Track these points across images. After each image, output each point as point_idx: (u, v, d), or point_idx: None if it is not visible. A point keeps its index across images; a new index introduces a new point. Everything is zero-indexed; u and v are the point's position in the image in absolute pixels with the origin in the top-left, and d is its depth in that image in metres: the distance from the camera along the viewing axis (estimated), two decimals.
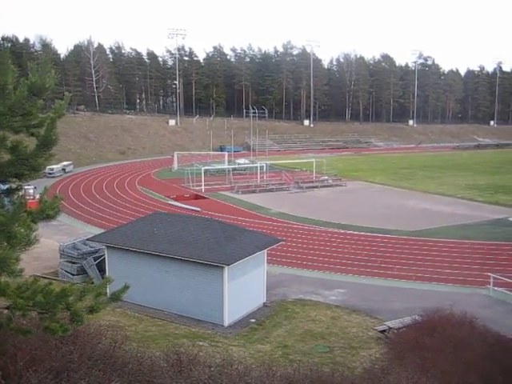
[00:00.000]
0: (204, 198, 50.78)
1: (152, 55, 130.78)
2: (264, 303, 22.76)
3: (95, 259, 25.04)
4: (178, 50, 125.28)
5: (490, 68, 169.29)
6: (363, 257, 30.60)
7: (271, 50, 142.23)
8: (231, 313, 20.47)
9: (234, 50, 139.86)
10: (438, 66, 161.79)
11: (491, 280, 24.95)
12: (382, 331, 19.54)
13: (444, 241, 34.53)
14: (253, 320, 21.09)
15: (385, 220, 40.38)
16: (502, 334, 17.99)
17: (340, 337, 19.44)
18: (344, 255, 30.92)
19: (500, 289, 24.78)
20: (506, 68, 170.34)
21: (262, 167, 61.16)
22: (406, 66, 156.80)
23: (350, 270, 28.28)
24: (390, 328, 19.40)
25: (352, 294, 24.53)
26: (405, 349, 16.63)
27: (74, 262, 25.56)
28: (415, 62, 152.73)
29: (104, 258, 23.71)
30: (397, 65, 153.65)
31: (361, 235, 35.78)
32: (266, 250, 22.67)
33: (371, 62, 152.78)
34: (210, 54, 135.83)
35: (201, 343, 18.13)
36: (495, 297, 24.40)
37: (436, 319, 18.24)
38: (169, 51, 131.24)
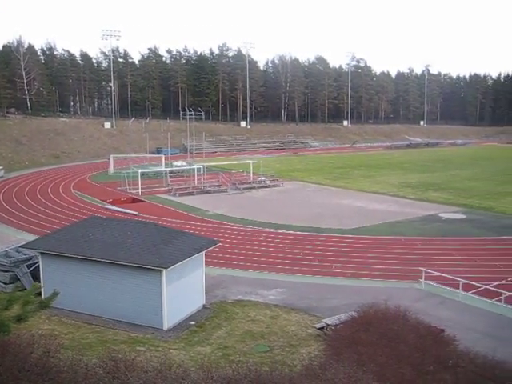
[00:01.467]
0: (141, 201, 50.13)
1: (86, 57, 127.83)
2: (204, 305, 22.71)
3: (29, 267, 24.24)
4: (113, 51, 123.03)
5: (418, 70, 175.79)
6: (301, 256, 31.02)
7: (207, 52, 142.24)
8: (170, 316, 20.31)
9: (169, 51, 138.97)
10: (370, 68, 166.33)
11: (423, 274, 25.89)
12: (321, 328, 19.88)
13: (378, 238, 35.53)
14: (192, 322, 21.00)
15: (321, 219, 41.11)
16: (432, 325, 18.68)
17: (280, 336, 19.65)
18: (282, 255, 31.26)
19: (431, 282, 25.79)
20: (433, 70, 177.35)
21: (199, 169, 60.96)
22: (340, 67, 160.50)
23: (288, 269, 28.63)
24: (328, 325, 19.77)
25: (290, 292, 24.85)
26: (342, 344, 16.99)
27: (7, 271, 24.60)
28: (348, 64, 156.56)
29: (38, 266, 23.00)
30: (331, 67, 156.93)
31: (298, 234, 36.27)
32: (203, 252, 22.62)
33: (306, 63, 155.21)
34: (145, 56, 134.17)
35: (140, 348, 17.91)
36: (427, 290, 25.33)
37: (371, 314, 18.73)
38: (103, 53, 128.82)
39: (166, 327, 20.11)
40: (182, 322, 20.93)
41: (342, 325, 19.25)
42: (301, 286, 25.99)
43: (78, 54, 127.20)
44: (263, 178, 61.54)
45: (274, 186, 59.25)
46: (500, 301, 23.11)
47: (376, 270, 28.54)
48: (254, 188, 57.50)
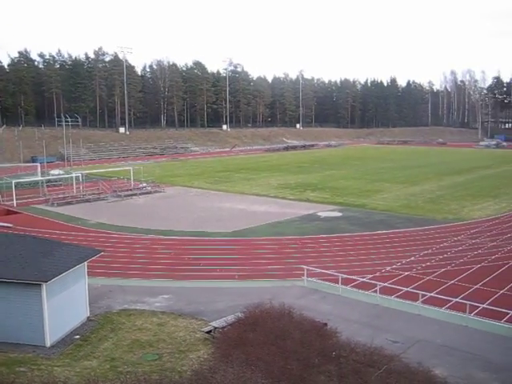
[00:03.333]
0: (16, 212, 47.34)
1: None
2: (88, 317, 21.95)
3: None
4: None
5: (293, 75, 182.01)
6: (186, 261, 30.96)
7: (82, 56, 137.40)
8: (53, 332, 19.39)
9: (42, 55, 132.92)
10: (247, 72, 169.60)
11: (305, 271, 26.85)
12: (208, 332, 19.97)
13: (261, 239, 36.34)
14: (77, 336, 20.23)
15: (205, 223, 41.29)
16: (316, 319, 19.48)
17: (168, 342, 19.48)
18: (167, 261, 31.00)
19: (312, 279, 26.84)
20: (307, 75, 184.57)
21: (77, 177, 58.78)
22: (218, 72, 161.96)
23: (174, 275, 28.45)
24: (216, 328, 19.90)
25: (177, 298, 24.71)
26: (230, 346, 17.21)
27: None
28: (226, 69, 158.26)
29: None
30: (209, 71, 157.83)
31: (183, 239, 36.15)
32: (85, 263, 21.86)
33: (184, 68, 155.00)
34: (16, 60, 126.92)
35: (20, 369, 16.94)
36: (309, 286, 26.31)
37: (257, 314, 19.16)
38: None
39: (48, 344, 19.18)
40: (65, 336, 20.07)
41: (230, 326, 19.49)
42: (188, 291, 25.93)
43: None
44: (144, 185, 60.64)
45: (155, 192, 58.54)
46: (376, 292, 24.56)
47: (260, 270, 29.18)
48: (135, 195, 56.45)
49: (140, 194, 56.79)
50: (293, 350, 16.43)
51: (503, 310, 22.02)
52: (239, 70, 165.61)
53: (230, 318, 20.23)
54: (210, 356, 17.91)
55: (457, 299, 23.60)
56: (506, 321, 21.61)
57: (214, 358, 17.33)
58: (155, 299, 24.55)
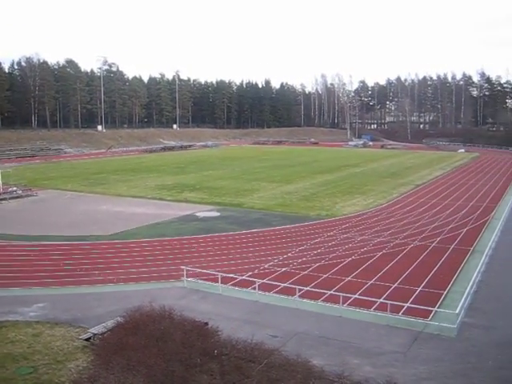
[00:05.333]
0: None
1: None
2: None
3: None
4: None
5: (169, 75, 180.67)
6: (62, 267, 29.75)
7: None
8: None
9: None
10: (122, 72, 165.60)
11: (184, 272, 26.91)
12: (87, 339, 19.43)
13: (140, 241, 35.82)
14: None
15: (82, 227, 39.94)
16: (197, 319, 19.62)
17: (44, 353, 18.66)
18: (42, 268, 29.59)
19: (192, 279, 26.98)
20: (183, 76, 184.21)
21: None
22: (92, 71, 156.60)
23: (50, 282, 27.24)
24: (95, 334, 19.41)
25: (53, 306, 23.71)
26: (110, 352, 16.86)
27: None
28: (100, 69, 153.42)
29: None
30: (82, 70, 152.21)
31: (59, 244, 34.66)
32: None
33: (56, 67, 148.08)
34: None
35: None
36: (189, 287, 26.42)
37: (138, 317, 18.92)
38: None
39: None
40: None
41: (110, 332, 19.10)
42: (65, 298, 24.95)
43: None
44: (15, 188, 57.22)
45: (27, 196, 55.51)
46: (254, 289, 25.20)
47: (141, 273, 28.79)
48: (4, 199, 53.14)
49: (10, 199, 53.53)
50: (174, 351, 16.44)
51: (372, 299, 23.65)
52: (114, 69, 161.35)
53: (110, 323, 19.82)
54: (89, 364, 17.43)
55: (331, 291, 24.86)
56: (375, 309, 23.14)
57: (94, 365, 16.90)
58: (29, 309, 23.37)
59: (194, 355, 16.37)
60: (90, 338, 19.43)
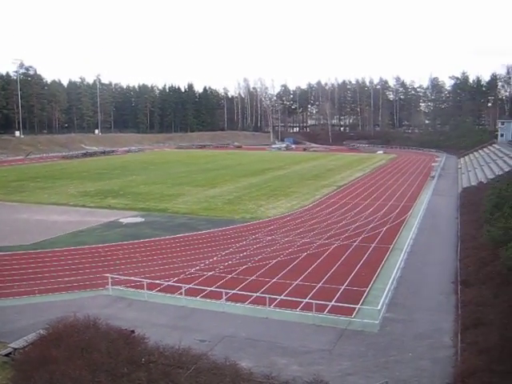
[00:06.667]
0: None
1: None
2: None
3: None
4: None
5: (90, 80, 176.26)
6: None
7: None
8: None
9: None
10: (40, 76, 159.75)
11: (109, 280, 26.40)
12: (7, 354, 18.65)
13: (62, 249, 34.76)
14: None
15: (0, 237, 38.30)
16: (123, 328, 19.32)
17: None
18: None
19: (118, 287, 26.52)
20: (104, 80, 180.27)
21: None
22: (8, 75, 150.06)
23: None
24: (16, 349, 18.67)
25: None
26: (32, 367, 16.29)
27: None
28: (17, 72, 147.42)
29: None
30: None
31: None
32: None
33: None
34: None
35: None
36: (115, 295, 25.93)
37: (61, 329, 18.40)
38: None
39: None
40: None
41: (31, 346, 18.44)
42: None
43: None
44: None
45: None
46: (181, 294, 25.09)
47: (64, 282, 27.92)
48: None
49: None
50: (100, 361, 16.13)
51: (298, 299, 24.14)
52: (31, 72, 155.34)
53: (32, 337, 19.13)
54: (9, 381, 16.76)
55: (257, 294, 25.16)
56: (301, 308, 23.63)
57: (15, 382, 16.29)
58: None
59: (120, 364, 16.13)
60: (9, 353, 18.65)
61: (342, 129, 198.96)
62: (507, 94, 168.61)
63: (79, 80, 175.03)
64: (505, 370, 16.18)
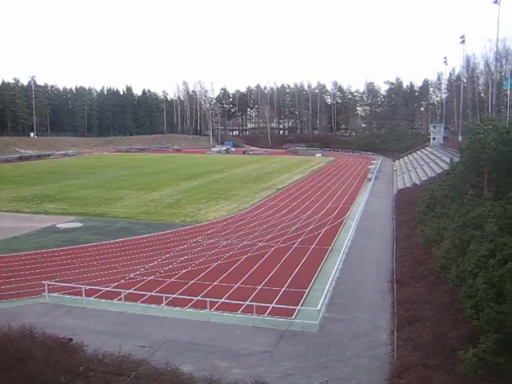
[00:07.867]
0: None
1: None
2: None
3: None
4: None
5: (24, 81, 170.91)
6: None
7: None
8: None
9: None
10: None
11: (46, 287, 25.70)
12: None
13: None
14: None
15: None
16: (60, 336, 18.88)
17: None
18: None
19: (55, 294, 25.85)
20: (40, 82, 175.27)
21: None
22: None
23: None
24: None
25: None
26: None
27: None
28: None
29: None
30: None
31: None
32: None
33: None
34: None
35: None
36: (52, 302, 25.26)
37: None
38: None
39: None
40: None
41: None
42: None
43: None
44: None
45: None
46: (121, 299, 24.75)
47: None
48: None
49: None
50: (36, 371, 15.70)
51: (239, 302, 24.24)
52: None
53: None
54: None
55: (198, 297, 25.10)
56: (241, 311, 23.77)
57: None
58: None
59: (57, 374, 15.77)
60: None
61: (281, 132, 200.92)
62: (438, 99, 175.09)
63: (13, 81, 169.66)
64: (438, 364, 16.87)
